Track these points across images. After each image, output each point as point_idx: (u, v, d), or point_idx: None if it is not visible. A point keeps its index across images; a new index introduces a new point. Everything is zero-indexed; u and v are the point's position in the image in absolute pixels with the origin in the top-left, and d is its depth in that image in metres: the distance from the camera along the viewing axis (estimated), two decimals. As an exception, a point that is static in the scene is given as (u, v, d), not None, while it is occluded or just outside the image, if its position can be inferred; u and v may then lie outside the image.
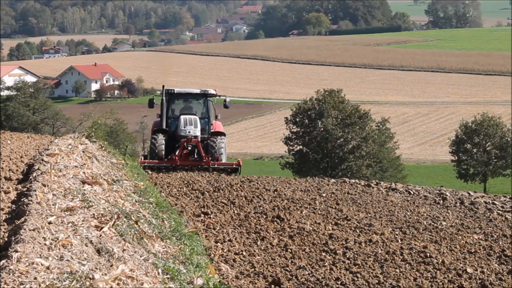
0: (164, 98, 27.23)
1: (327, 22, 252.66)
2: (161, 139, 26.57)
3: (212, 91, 27.87)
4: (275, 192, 18.99)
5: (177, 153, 26.03)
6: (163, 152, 26.42)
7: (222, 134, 27.33)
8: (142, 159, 27.77)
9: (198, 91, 28.20)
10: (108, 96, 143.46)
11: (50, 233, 7.86)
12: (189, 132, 26.43)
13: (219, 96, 28.15)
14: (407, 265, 11.70)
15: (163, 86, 27.50)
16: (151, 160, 26.17)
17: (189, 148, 26.41)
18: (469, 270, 11.34)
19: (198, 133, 26.61)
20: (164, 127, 27.32)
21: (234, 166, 26.42)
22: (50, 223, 8.48)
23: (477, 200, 19.57)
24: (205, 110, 27.88)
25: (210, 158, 25.87)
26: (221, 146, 26.58)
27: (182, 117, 26.84)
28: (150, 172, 24.20)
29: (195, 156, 26.40)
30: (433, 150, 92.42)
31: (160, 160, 26.25)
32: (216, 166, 25.81)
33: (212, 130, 27.70)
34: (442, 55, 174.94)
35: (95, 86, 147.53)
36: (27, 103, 77.68)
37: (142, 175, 23.14)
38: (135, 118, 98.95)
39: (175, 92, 27.80)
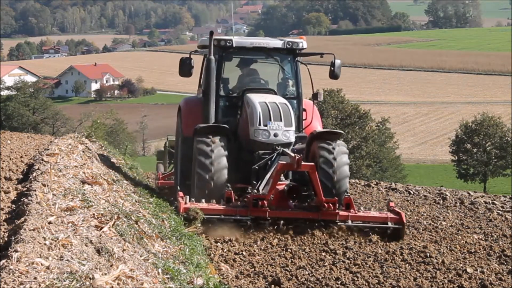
0: (212, 57, 14.79)
1: (327, 22, 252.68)
2: (220, 150, 13.89)
3: (302, 43, 15.29)
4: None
5: (261, 187, 13.33)
6: (227, 183, 13.74)
7: (335, 134, 14.55)
8: (160, 177, 19.68)
9: (278, 43, 15.27)
10: (108, 96, 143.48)
11: (50, 233, 7.86)
12: (275, 135, 14.14)
13: (322, 55, 15.55)
14: (407, 265, 11.70)
15: (212, 32, 14.86)
16: (205, 205, 13.13)
17: (288, 180, 14.08)
18: (469, 270, 11.35)
19: (292, 137, 14.37)
20: (212, 119, 14.76)
21: (389, 224, 13.39)
22: (50, 223, 8.48)
23: (477, 200, 19.57)
24: (294, 81, 15.47)
25: (335, 205, 13.28)
26: (345, 168, 14.03)
27: (256, 101, 14.35)
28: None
29: (307, 197, 13.95)
30: (433, 150, 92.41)
31: (220, 200, 13.43)
32: (352, 223, 13.35)
33: (304, 125, 15.32)
34: (442, 55, 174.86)
35: (95, 86, 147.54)
36: (27, 103, 77.75)
37: (141, 175, 23.16)
38: (135, 118, 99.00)
39: (234, 45, 15.15)
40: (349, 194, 13.82)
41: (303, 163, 12.93)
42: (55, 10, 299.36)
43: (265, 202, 13.04)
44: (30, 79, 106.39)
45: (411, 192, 21.34)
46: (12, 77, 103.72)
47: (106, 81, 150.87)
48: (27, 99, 78.34)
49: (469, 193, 21.46)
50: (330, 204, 13.18)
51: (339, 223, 13.31)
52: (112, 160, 21.02)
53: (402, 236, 13.37)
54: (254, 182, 13.67)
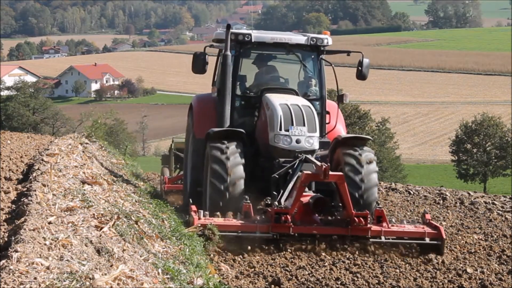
0: (228, 53, 13.59)
1: (327, 22, 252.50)
2: (236, 157, 12.59)
3: (328, 39, 14.18)
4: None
5: (283, 200, 11.93)
6: (244, 193, 12.40)
7: (362, 139, 13.55)
8: (167, 181, 18.43)
9: (302, 39, 14.10)
10: (108, 96, 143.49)
11: (50, 233, 7.87)
12: (297, 142, 12.80)
13: (349, 53, 15.32)
14: (407, 265, 11.70)
15: (228, 26, 13.87)
16: (221, 220, 11.83)
17: (311, 191, 12.68)
18: (469, 270, 11.34)
19: (316, 143, 13.04)
20: (227, 121, 13.54)
21: (427, 239, 12.12)
22: (50, 223, 8.49)
23: (477, 200, 19.56)
24: (318, 81, 14.35)
25: (367, 219, 11.92)
26: (373, 176, 12.95)
27: (277, 103, 13.08)
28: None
29: (333, 209, 12.44)
30: (433, 150, 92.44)
31: (237, 213, 12.08)
32: (385, 239, 12.03)
33: (327, 129, 14.20)
34: (442, 55, 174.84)
35: (95, 86, 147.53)
36: (27, 103, 77.66)
37: (141, 175, 23.14)
38: (135, 118, 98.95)
39: (253, 40, 13.88)
40: (380, 206, 12.46)
41: (330, 172, 11.65)
42: (55, 10, 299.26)
43: (288, 216, 11.65)
44: (30, 79, 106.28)
45: (411, 192, 21.32)
46: (12, 77, 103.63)
47: (106, 81, 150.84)
48: (27, 99, 78.27)
49: (469, 193, 21.43)
50: (361, 219, 11.81)
51: (371, 239, 11.93)
52: (112, 160, 21.03)
53: (442, 252, 12.04)
54: (274, 192, 12.34)
